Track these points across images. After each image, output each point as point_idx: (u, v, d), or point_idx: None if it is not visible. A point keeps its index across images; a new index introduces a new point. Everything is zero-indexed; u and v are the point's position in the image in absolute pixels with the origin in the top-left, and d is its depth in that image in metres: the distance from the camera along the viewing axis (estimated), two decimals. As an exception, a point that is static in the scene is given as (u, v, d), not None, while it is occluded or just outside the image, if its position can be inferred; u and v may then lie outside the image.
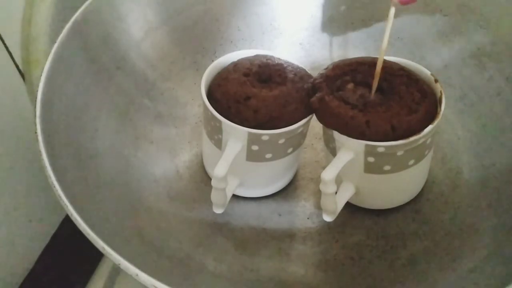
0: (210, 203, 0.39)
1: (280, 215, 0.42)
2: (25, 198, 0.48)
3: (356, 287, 0.37)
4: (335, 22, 0.50)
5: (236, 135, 0.37)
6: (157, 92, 0.47)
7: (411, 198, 0.41)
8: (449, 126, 0.44)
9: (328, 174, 0.35)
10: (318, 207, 0.41)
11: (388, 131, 0.35)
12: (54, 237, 0.52)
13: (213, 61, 0.41)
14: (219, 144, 0.39)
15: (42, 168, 0.34)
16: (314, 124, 0.39)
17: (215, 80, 0.40)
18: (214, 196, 0.38)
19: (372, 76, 0.38)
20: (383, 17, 0.49)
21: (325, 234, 0.41)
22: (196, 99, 0.48)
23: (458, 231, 0.38)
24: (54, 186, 0.33)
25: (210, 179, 0.38)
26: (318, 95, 0.38)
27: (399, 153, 0.36)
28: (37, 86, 0.37)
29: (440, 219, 0.40)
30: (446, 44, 0.47)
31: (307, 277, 0.38)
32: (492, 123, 0.43)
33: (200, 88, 0.39)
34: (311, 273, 0.38)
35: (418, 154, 0.37)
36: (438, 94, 0.37)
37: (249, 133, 0.37)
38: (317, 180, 0.43)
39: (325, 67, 0.40)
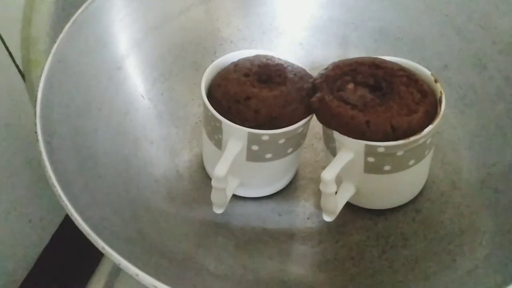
0: (210, 203, 0.39)
1: (280, 215, 0.42)
2: (25, 198, 0.48)
3: (356, 287, 0.37)
4: (335, 22, 0.50)
5: (236, 135, 0.37)
6: (157, 92, 0.47)
7: (411, 198, 0.41)
8: (449, 126, 0.44)
9: (328, 174, 0.35)
10: (318, 207, 0.41)
11: (388, 131, 0.35)
12: (54, 237, 0.52)
13: (213, 61, 0.41)
14: (219, 144, 0.39)
15: (42, 168, 0.34)
16: (314, 124, 0.39)
17: (215, 80, 0.40)
18: (214, 196, 0.38)
19: (372, 76, 0.38)
20: (383, 17, 0.49)
21: (325, 234, 0.41)
22: (196, 99, 0.48)
23: (458, 231, 0.38)
24: (54, 186, 0.33)
25: (210, 179, 0.38)
26: (318, 95, 0.38)
27: (399, 153, 0.36)
28: (37, 86, 0.37)
29: (440, 219, 0.40)
30: (446, 44, 0.47)
31: (307, 277, 0.38)
32: (492, 123, 0.43)
33: (200, 88, 0.39)
34: (311, 273, 0.38)
35: (418, 154, 0.37)
36: (438, 94, 0.37)
37: (249, 133, 0.37)
38: (317, 180, 0.43)
39: (325, 67, 0.40)
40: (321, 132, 0.43)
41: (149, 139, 0.45)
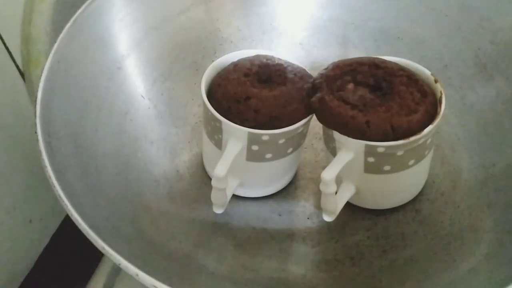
0: (210, 203, 0.39)
1: (280, 215, 0.42)
2: (25, 198, 0.48)
3: (356, 287, 0.37)
4: (335, 22, 0.50)
5: (236, 135, 0.37)
6: (157, 92, 0.47)
7: (411, 198, 0.41)
8: (449, 126, 0.44)
9: (328, 174, 0.35)
10: (318, 207, 0.41)
11: (388, 131, 0.35)
12: (54, 237, 0.52)
13: (213, 61, 0.41)
14: (219, 144, 0.39)
15: (42, 168, 0.34)
16: (314, 124, 0.39)
17: (215, 80, 0.40)
18: (214, 196, 0.38)
19: (372, 76, 0.38)
20: (383, 17, 0.49)
21: (325, 234, 0.41)
22: (196, 99, 0.48)
23: (458, 231, 0.38)
24: (54, 186, 0.33)
25: (210, 179, 0.38)
26: (318, 95, 0.38)
27: (399, 153, 0.36)
28: (37, 86, 0.37)
29: (440, 219, 0.40)
30: (446, 44, 0.47)
31: (307, 277, 0.38)
32: (492, 123, 0.43)
33: (200, 88, 0.39)
34: (311, 273, 0.38)
35: (418, 154, 0.37)
36: (438, 94, 0.37)
37: (249, 133, 0.37)
38: (317, 180, 0.43)
39: (325, 67, 0.40)
40: (321, 132, 0.43)
41: (149, 139, 0.45)
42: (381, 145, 0.35)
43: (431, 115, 0.36)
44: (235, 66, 0.40)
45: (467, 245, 0.37)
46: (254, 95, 0.37)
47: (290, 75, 0.39)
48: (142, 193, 0.41)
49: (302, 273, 0.38)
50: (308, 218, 0.42)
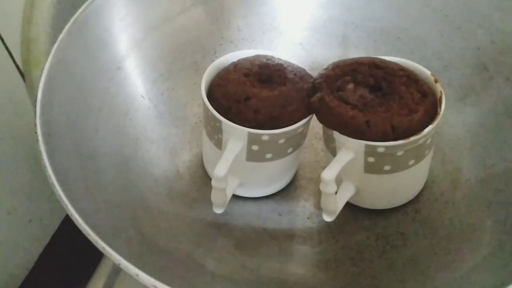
0: (210, 203, 0.39)
1: (280, 215, 0.42)
2: (25, 198, 0.48)
3: (356, 287, 0.37)
4: (335, 22, 0.50)
5: (236, 135, 0.37)
6: (157, 92, 0.47)
7: (411, 198, 0.41)
8: (449, 126, 0.44)
9: (328, 174, 0.35)
10: (318, 207, 0.41)
11: (388, 131, 0.35)
12: (54, 237, 0.52)
13: (213, 61, 0.41)
14: (219, 144, 0.39)
15: (42, 168, 0.34)
16: (314, 124, 0.39)
17: (215, 80, 0.40)
18: (214, 196, 0.38)
19: (372, 76, 0.38)
20: (383, 17, 0.49)
21: (325, 234, 0.41)
22: (196, 99, 0.48)
23: (458, 231, 0.38)
24: (54, 186, 0.33)
25: (210, 179, 0.38)
26: (318, 95, 0.38)
27: (399, 153, 0.36)
28: (37, 86, 0.37)
29: (440, 219, 0.40)
30: (446, 44, 0.47)
31: (307, 277, 0.38)
32: (492, 123, 0.43)
33: (200, 88, 0.39)
34: (311, 273, 0.38)
35: (418, 154, 0.37)
36: (438, 94, 0.37)
37: (249, 133, 0.37)
38: (317, 180, 0.43)
39: (325, 67, 0.40)
40: (321, 132, 0.43)
41: (149, 139, 0.45)
42: (381, 145, 0.35)
43: (431, 115, 0.36)
44: (235, 66, 0.40)
45: (467, 245, 0.37)
46: (254, 95, 0.37)
47: (290, 75, 0.39)
48: (142, 193, 0.41)
49: (302, 273, 0.38)
50: (308, 218, 0.42)
